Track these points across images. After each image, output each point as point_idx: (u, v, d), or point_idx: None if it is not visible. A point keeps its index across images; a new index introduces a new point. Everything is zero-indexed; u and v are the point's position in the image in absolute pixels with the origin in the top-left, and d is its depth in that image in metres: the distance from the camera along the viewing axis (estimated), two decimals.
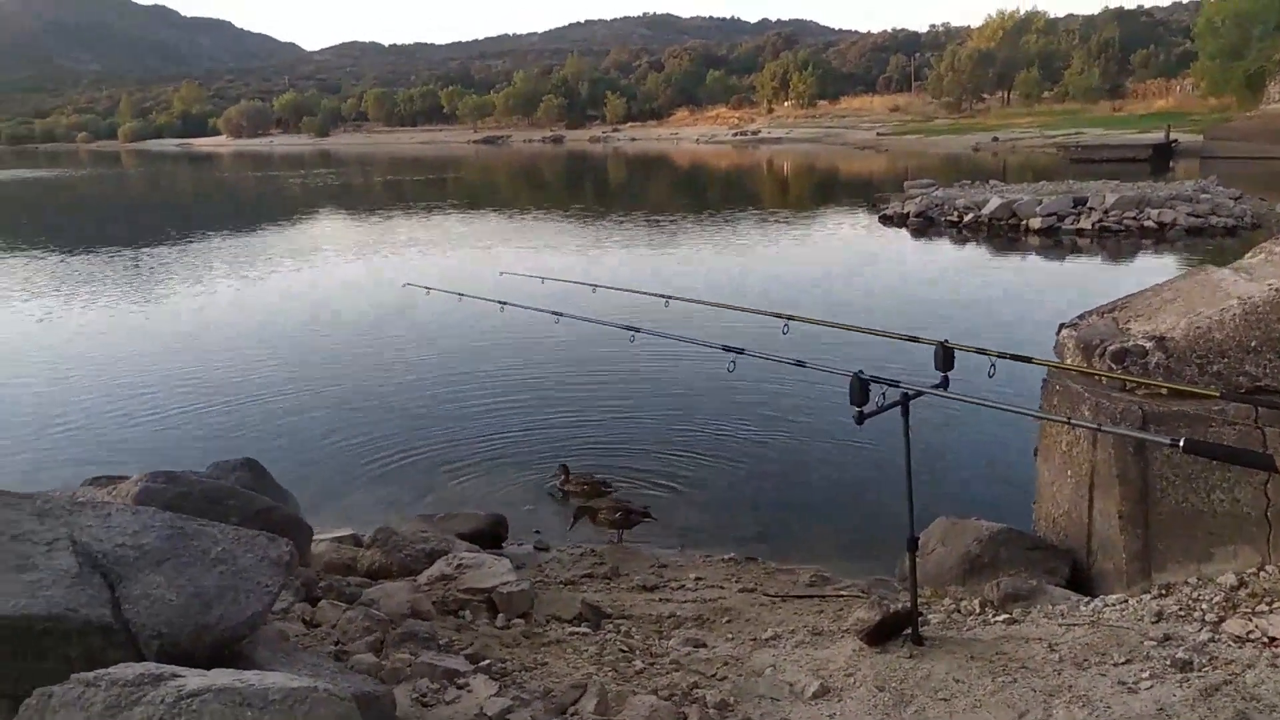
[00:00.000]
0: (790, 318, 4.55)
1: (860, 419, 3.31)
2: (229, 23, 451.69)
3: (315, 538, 4.95)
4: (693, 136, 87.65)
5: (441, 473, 7.02)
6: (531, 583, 4.89)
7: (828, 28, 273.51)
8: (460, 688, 3.38)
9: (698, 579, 5.35)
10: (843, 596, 4.92)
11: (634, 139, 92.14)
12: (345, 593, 4.46)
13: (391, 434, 7.87)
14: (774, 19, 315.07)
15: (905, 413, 3.37)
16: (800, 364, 3.76)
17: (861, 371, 3.28)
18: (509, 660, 3.85)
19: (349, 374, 9.91)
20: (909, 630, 3.60)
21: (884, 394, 3.32)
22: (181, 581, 2.62)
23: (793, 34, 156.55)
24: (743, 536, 6.05)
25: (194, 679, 2.16)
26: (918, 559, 3.73)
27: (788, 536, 6.05)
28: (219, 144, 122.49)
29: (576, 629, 4.40)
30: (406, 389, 9.25)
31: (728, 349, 4.06)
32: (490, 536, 5.97)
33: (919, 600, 3.77)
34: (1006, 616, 3.97)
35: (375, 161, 69.20)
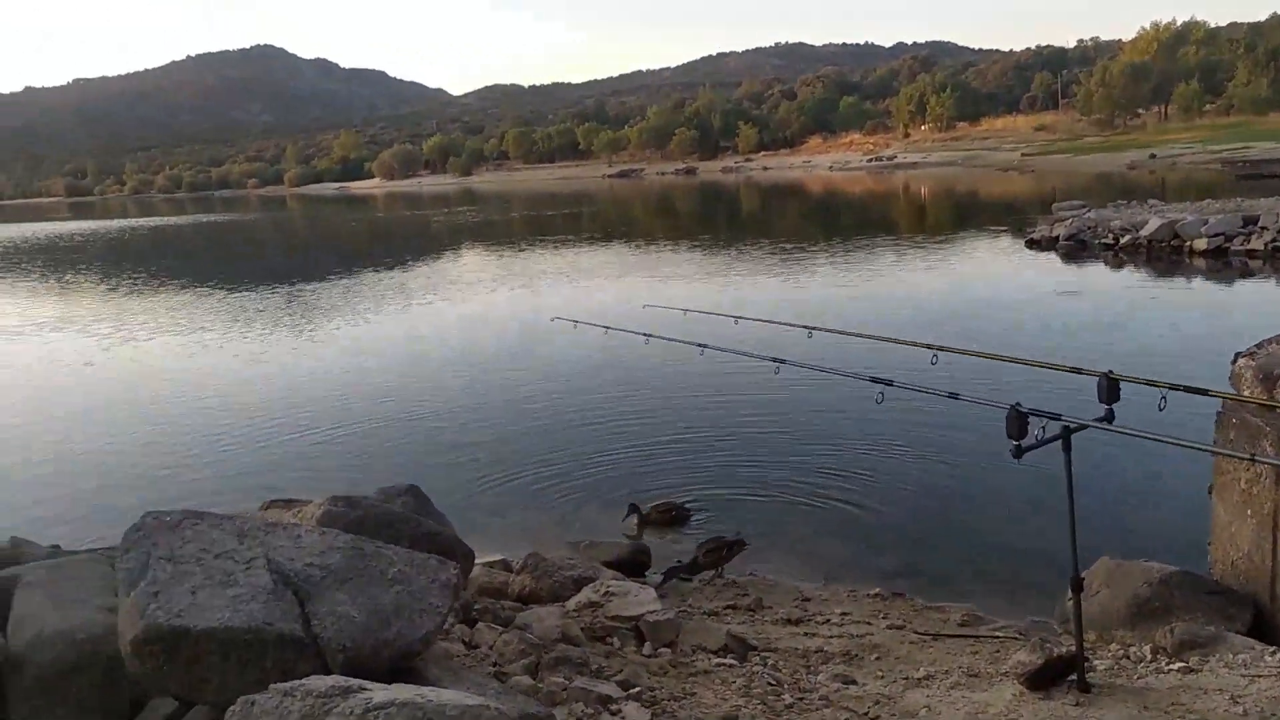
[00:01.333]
0: (939, 348, 4.46)
1: (1018, 453, 3.22)
2: (384, 72, 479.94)
3: None
4: (826, 164, 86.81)
5: (586, 501, 7.17)
6: (676, 612, 4.95)
7: (967, 48, 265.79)
8: (614, 714, 3.45)
9: (843, 614, 5.27)
10: (998, 637, 4.74)
11: (766, 168, 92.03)
12: (500, 616, 4.64)
13: (539, 463, 8.10)
14: (910, 42, 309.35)
15: (1067, 447, 3.26)
16: (954, 396, 3.69)
17: (1019, 404, 3.20)
18: (658, 689, 3.90)
19: (500, 405, 10.29)
20: (1074, 676, 3.45)
21: (1043, 427, 3.22)
22: (363, 600, 2.81)
23: (930, 56, 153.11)
24: (889, 572, 5.91)
25: (379, 692, 2.31)
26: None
27: (937, 573, 5.87)
28: (373, 186, 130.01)
29: (723, 660, 4.41)
30: (554, 420, 9.50)
31: (876, 380, 4.02)
32: (634, 565, 6.06)
33: (1084, 645, 3.60)
34: (1182, 665, 3.74)
35: (515, 198, 71.75)
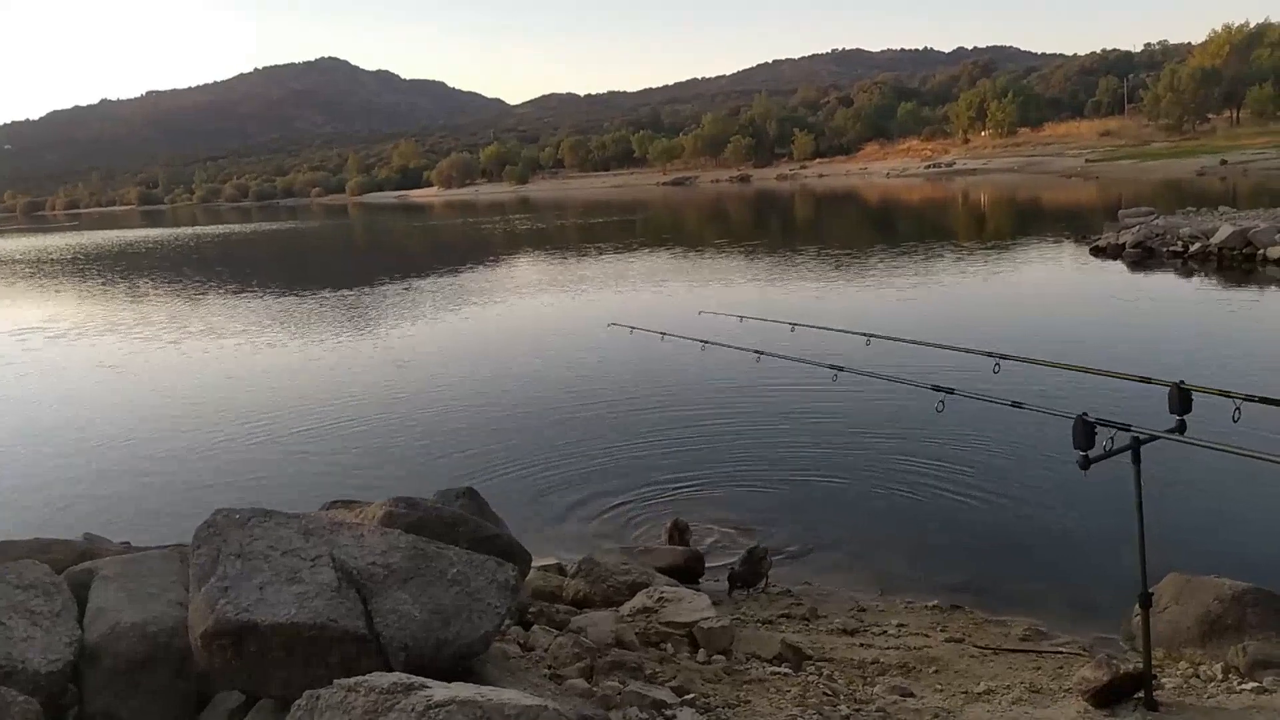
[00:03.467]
0: (1002, 356, 4.38)
1: (1085, 464, 3.15)
2: (442, 83, 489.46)
3: None
4: (883, 171, 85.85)
5: (641, 508, 7.18)
6: (731, 619, 4.93)
7: (1029, 52, 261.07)
8: (668, 719, 3.45)
9: (900, 625, 5.20)
10: (1061, 653, 4.64)
11: (822, 175, 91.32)
12: (555, 619, 4.67)
13: (594, 468, 8.15)
14: (970, 47, 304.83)
15: (1136, 458, 3.18)
16: (1017, 405, 3.62)
17: (1086, 414, 3.13)
18: (712, 696, 3.89)
19: (556, 410, 10.37)
20: (1141, 694, 3.36)
21: (1112, 438, 3.14)
22: (423, 599, 2.85)
23: (991, 61, 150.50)
24: (947, 584, 5.81)
25: (439, 690, 2.34)
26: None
27: (997, 587, 5.75)
28: (431, 194, 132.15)
29: (777, 669, 4.38)
30: (610, 425, 9.54)
31: (937, 389, 3.97)
32: (687, 572, 6.05)
33: (1152, 662, 3.50)
34: (1255, 685, 3.62)
35: (569, 205, 72.25)
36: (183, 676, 2.91)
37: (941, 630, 5.08)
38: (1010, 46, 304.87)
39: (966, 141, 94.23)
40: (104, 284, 31.74)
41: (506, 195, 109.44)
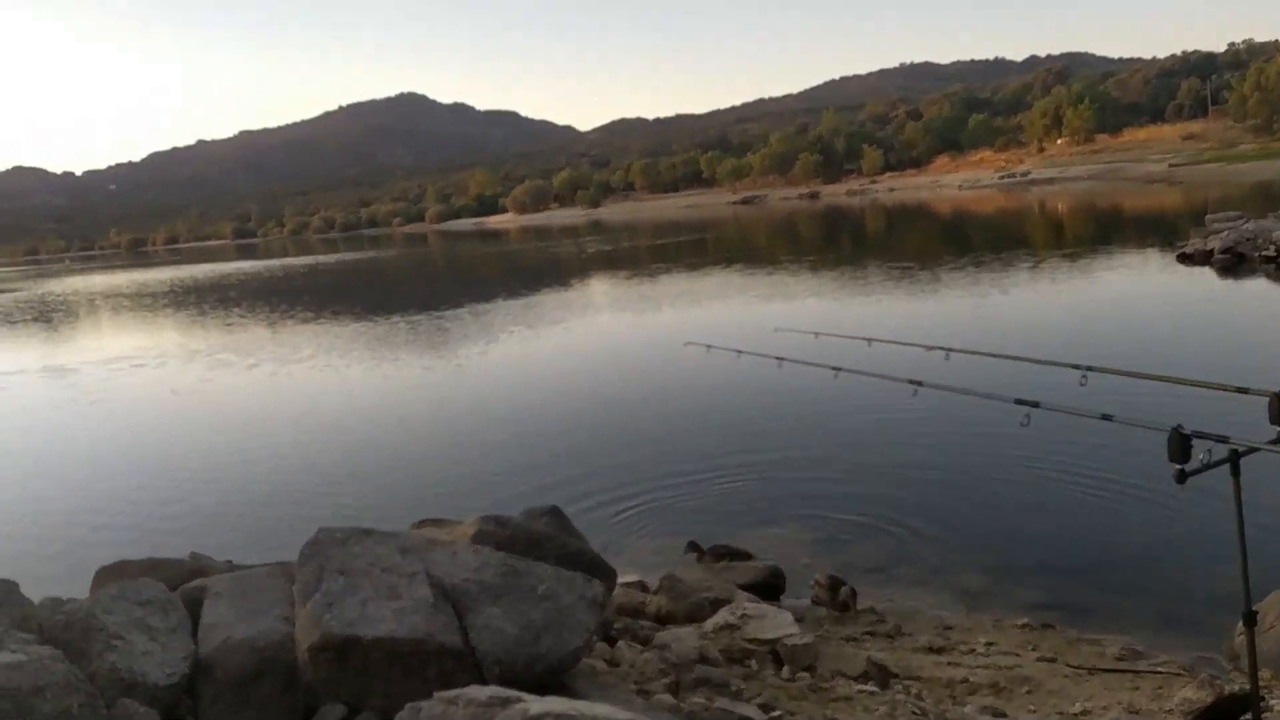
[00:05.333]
0: (1089, 368, 4.29)
1: (1181, 478, 3.07)
2: (516, 113, 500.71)
3: None
4: (955, 183, 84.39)
5: (721, 524, 7.19)
6: (815, 636, 4.90)
7: (1105, 57, 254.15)
8: None
9: (989, 644, 5.10)
10: (1160, 673, 4.49)
11: (892, 189, 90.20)
12: (639, 635, 4.72)
13: (674, 485, 8.18)
14: (1043, 55, 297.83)
15: (1235, 471, 3.09)
16: (1107, 418, 3.55)
17: (1181, 426, 3.05)
18: (798, 713, 3.89)
19: (635, 427, 10.46)
20: (1247, 716, 3.24)
21: (1209, 451, 3.06)
22: (515, 614, 2.93)
23: (1065, 68, 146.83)
24: (1037, 602, 5.67)
25: (535, 703, 2.41)
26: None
27: (1090, 605, 5.59)
28: (507, 220, 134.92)
29: (864, 687, 4.34)
30: (689, 443, 9.58)
31: (1021, 402, 3.90)
32: (768, 588, 6.03)
33: (1258, 683, 3.38)
34: None
35: (641, 227, 72.79)
36: (289, 689, 3.04)
37: (1032, 649, 4.97)
38: (1085, 52, 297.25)
39: (1042, 150, 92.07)
40: (200, 314, 33.12)
41: (579, 219, 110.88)
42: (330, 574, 2.91)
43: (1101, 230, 34.08)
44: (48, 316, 37.87)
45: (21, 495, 9.99)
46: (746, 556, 6.41)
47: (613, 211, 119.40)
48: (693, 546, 6.62)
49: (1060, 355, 4.98)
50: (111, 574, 4.05)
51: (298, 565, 3.00)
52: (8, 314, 40.62)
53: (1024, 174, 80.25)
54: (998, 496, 7.18)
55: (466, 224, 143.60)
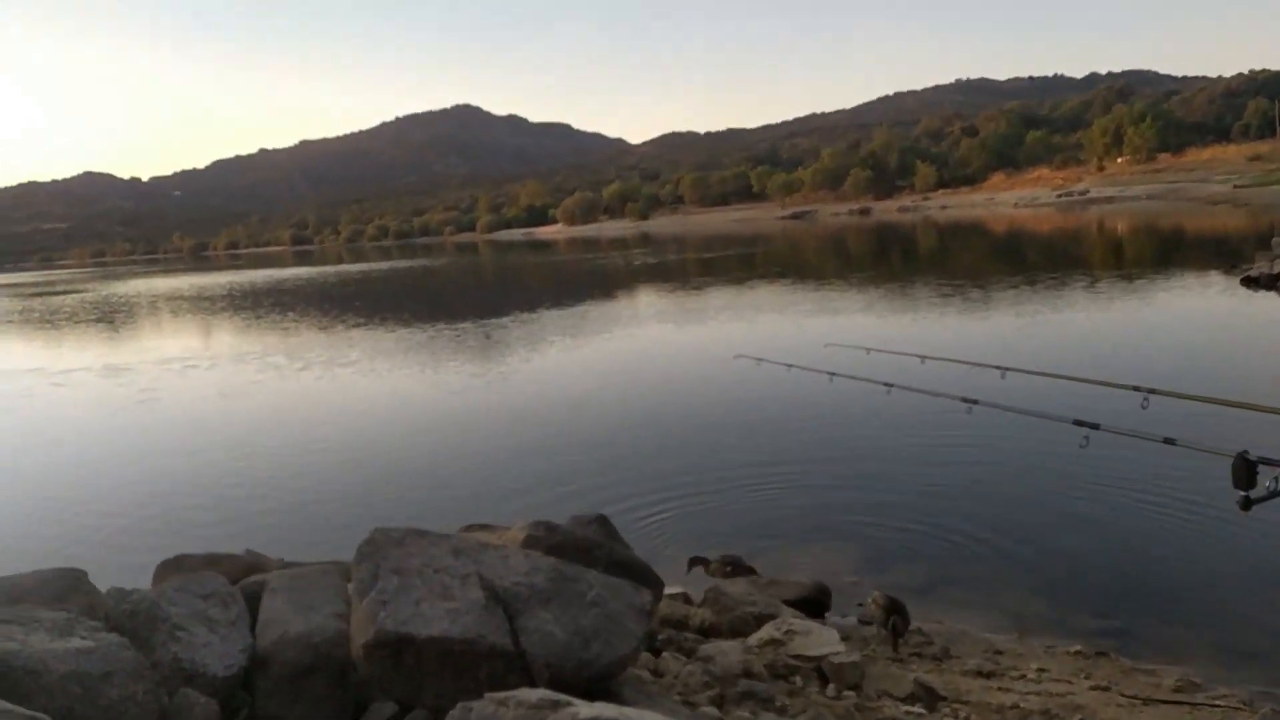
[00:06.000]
0: (1151, 390, 4.21)
1: (1245, 505, 3.00)
2: (568, 125, 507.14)
3: None
4: (1010, 200, 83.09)
5: (767, 539, 7.15)
6: (861, 655, 4.85)
7: (1168, 76, 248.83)
8: None
9: (1040, 670, 5.00)
10: (1219, 706, 4.38)
11: (945, 206, 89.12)
12: (683, 647, 4.72)
13: (720, 498, 8.15)
14: (1104, 72, 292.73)
15: None
16: (1169, 442, 3.48)
17: (1246, 452, 2.99)
18: None
19: (682, 439, 10.44)
20: None
21: (1275, 478, 2.99)
22: (565, 619, 2.96)
23: (1127, 86, 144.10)
24: (1090, 629, 5.55)
25: (585, 708, 2.43)
26: None
27: (1146, 634, 5.46)
28: (556, 231, 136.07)
29: (910, 708, 4.29)
30: (737, 456, 9.52)
31: (1080, 423, 3.85)
32: (814, 605, 5.99)
33: None
34: None
35: (689, 240, 72.83)
36: (342, 685, 3.10)
37: (1085, 677, 4.87)
38: (1148, 70, 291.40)
39: (1101, 169, 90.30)
40: (257, 316, 33.89)
41: (628, 231, 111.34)
42: (385, 573, 2.96)
43: (1163, 251, 33.31)
44: (110, 317, 39.02)
45: (79, 488, 10.30)
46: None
47: (661, 224, 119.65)
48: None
49: (1120, 377, 4.88)
50: (172, 567, 4.16)
51: (353, 563, 3.06)
52: (74, 314, 41.97)
53: (1083, 192, 78.77)
54: (1053, 519, 7.03)
55: (516, 234, 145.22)
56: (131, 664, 2.70)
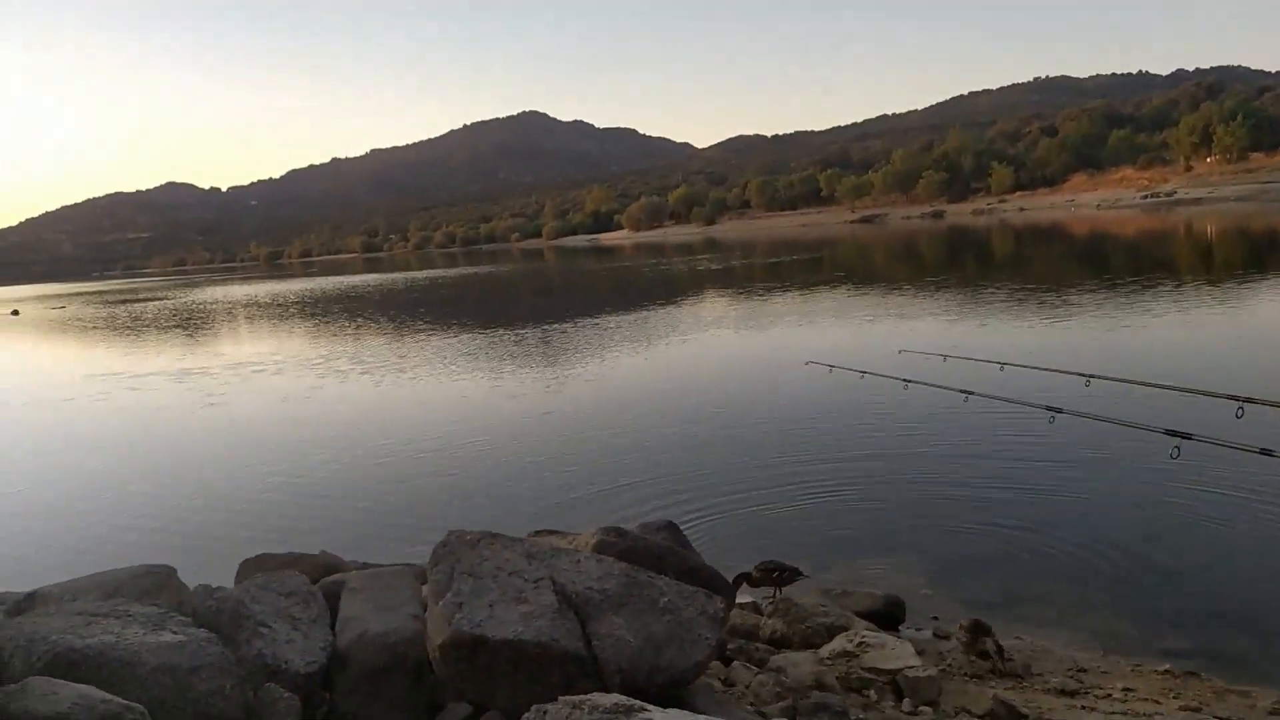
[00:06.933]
0: (1246, 400, 4.03)
1: None
2: (634, 130, 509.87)
3: None
4: (1092, 202, 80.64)
5: (841, 550, 7.04)
6: (938, 670, 4.75)
7: (1261, 71, 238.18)
8: None
9: (1126, 689, 4.82)
10: None
11: (1022, 209, 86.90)
12: (754, 657, 4.67)
13: (792, 507, 8.05)
14: (1191, 69, 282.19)
15: None
16: (1267, 453, 3.33)
17: None
18: None
19: (754, 446, 10.33)
20: None
21: None
22: (637, 625, 2.95)
23: (1216, 83, 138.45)
24: (1179, 648, 5.33)
25: (658, 715, 2.42)
26: None
27: (1239, 654, 5.22)
28: (622, 237, 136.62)
29: None
30: (809, 464, 9.38)
31: (1172, 434, 3.70)
32: (887, 617, 5.88)
33: None
34: None
35: (756, 244, 72.43)
36: (418, 685, 3.14)
37: (1175, 697, 4.67)
38: (1238, 66, 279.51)
39: (1189, 169, 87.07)
40: (330, 321, 34.81)
41: (694, 236, 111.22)
42: (460, 575, 3.00)
43: (1255, 255, 31.93)
44: (188, 324, 40.46)
45: (160, 488, 10.69)
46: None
47: (728, 229, 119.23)
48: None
49: (1213, 385, 4.68)
50: (254, 566, 4.29)
51: (429, 565, 3.10)
52: (155, 320, 43.69)
53: (1169, 193, 76.08)
54: (1140, 532, 6.75)
55: (581, 240, 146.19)
56: (219, 659, 2.78)
